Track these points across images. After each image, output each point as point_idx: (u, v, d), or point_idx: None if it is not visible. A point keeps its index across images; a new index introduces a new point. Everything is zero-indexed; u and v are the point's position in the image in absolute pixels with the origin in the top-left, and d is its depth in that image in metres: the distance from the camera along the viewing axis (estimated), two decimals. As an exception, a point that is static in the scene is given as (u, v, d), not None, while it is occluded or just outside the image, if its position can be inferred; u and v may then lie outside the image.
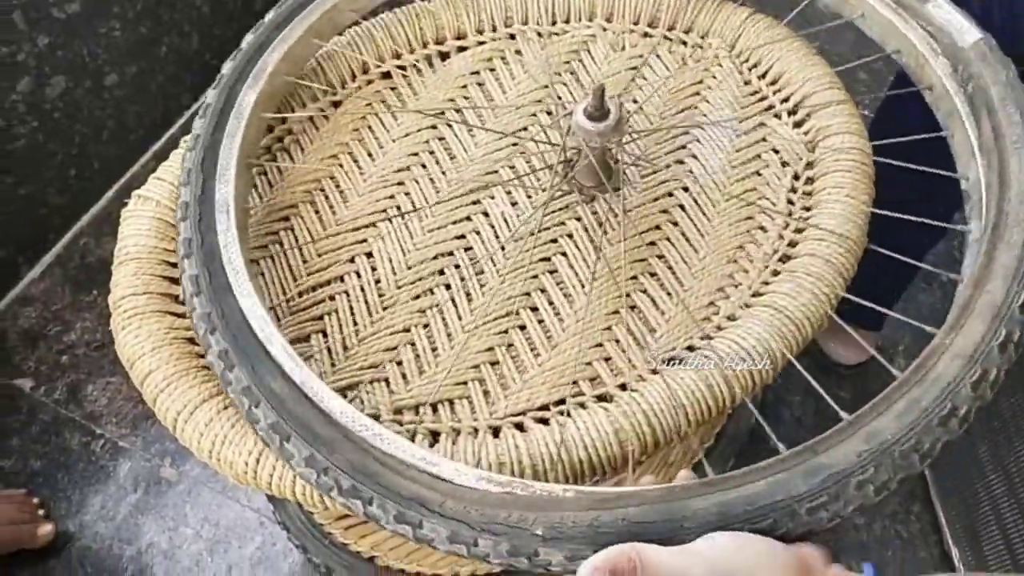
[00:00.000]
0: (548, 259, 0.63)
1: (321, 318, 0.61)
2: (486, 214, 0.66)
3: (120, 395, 1.25)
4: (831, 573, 0.39)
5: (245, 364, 0.48)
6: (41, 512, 1.12)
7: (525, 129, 0.72)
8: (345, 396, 0.57)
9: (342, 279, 0.63)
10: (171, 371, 0.55)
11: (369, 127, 0.73)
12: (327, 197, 0.68)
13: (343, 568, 0.99)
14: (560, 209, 0.65)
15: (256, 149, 0.67)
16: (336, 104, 0.74)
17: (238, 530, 1.09)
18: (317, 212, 0.67)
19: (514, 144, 0.71)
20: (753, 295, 0.57)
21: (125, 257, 0.62)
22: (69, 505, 1.14)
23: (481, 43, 0.78)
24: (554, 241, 0.64)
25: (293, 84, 0.70)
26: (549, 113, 0.72)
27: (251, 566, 1.06)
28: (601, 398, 0.55)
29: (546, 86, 0.74)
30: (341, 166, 0.70)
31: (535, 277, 0.62)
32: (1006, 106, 0.53)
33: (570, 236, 0.64)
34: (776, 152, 0.67)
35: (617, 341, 0.58)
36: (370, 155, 0.71)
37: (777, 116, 0.69)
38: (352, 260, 0.64)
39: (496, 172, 0.69)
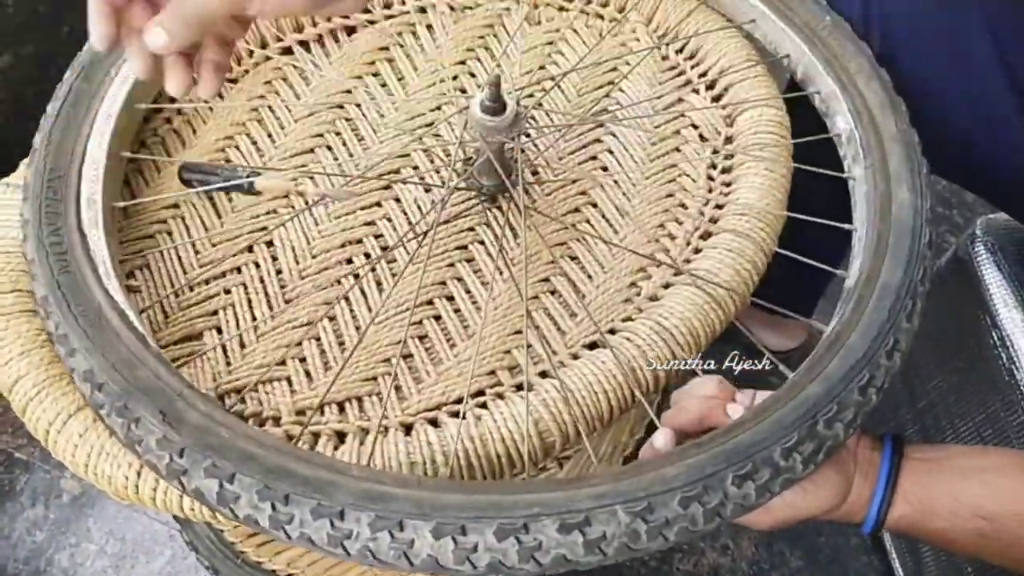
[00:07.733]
0: (464, 247, 0.59)
1: (215, 313, 0.56)
2: (397, 200, 0.62)
3: (14, 405, 1.16)
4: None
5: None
6: None
7: (439, 108, 0.68)
8: (243, 399, 0.52)
9: (239, 270, 0.58)
10: (42, 377, 0.49)
11: (269, 106, 0.67)
12: (222, 182, 0.63)
13: (259, 587, 0.93)
14: (476, 196, 0.62)
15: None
16: (232, 81, 0.69)
17: (145, 544, 1.02)
18: (211, 197, 0.62)
19: (428, 124, 0.67)
20: (675, 274, 0.55)
21: (-9, 252, 0.56)
22: (-41, 525, 1.05)
23: (390, 17, 0.73)
24: (471, 229, 0.60)
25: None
26: (463, 91, 0.69)
27: (161, 582, 0.99)
28: (520, 387, 0.51)
29: (460, 62, 0.70)
30: (238, 148, 0.65)
31: (451, 265, 0.58)
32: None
33: (487, 225, 0.61)
34: (695, 127, 0.65)
35: (537, 328, 0.55)
36: (270, 136, 0.66)
37: (695, 91, 0.67)
38: (250, 249, 0.59)
39: (408, 156, 0.65)
